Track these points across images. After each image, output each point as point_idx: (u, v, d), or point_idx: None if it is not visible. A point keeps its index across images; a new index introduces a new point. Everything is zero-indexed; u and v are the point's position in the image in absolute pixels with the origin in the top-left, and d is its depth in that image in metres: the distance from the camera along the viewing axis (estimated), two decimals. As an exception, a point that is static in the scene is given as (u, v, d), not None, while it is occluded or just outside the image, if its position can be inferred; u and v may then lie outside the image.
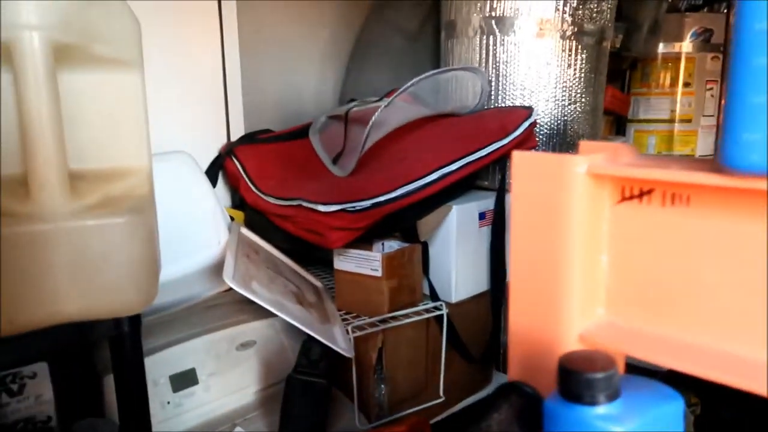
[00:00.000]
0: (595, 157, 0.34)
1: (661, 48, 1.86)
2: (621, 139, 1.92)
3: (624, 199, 0.34)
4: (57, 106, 0.50)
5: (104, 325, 0.60)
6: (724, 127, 0.28)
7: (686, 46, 1.83)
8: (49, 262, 0.50)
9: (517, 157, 0.36)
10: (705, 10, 1.92)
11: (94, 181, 0.54)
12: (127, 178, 0.56)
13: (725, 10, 1.90)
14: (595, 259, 0.35)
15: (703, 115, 1.86)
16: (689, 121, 1.86)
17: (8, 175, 0.52)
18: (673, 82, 1.85)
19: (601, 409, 0.30)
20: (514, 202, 0.36)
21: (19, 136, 0.50)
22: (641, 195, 0.33)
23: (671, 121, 1.87)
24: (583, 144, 0.37)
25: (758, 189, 0.28)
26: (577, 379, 0.30)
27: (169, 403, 0.89)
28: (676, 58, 1.84)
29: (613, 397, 0.30)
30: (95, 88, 0.54)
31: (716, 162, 0.29)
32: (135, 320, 0.62)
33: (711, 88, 1.85)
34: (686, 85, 1.84)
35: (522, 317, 0.37)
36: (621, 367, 0.39)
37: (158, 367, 0.89)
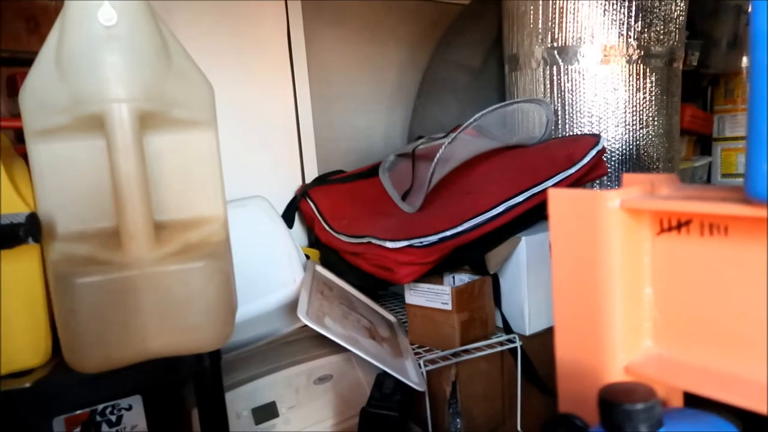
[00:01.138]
0: (630, 191, 0.34)
1: (746, 61, 1.77)
2: (706, 159, 1.83)
3: (663, 230, 0.34)
4: (143, 166, 0.56)
5: (188, 361, 0.65)
6: (748, 159, 0.28)
7: (773, 57, 1.73)
8: (138, 304, 0.56)
9: (552, 194, 0.37)
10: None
11: (174, 231, 0.60)
12: (205, 226, 0.62)
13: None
14: (638, 291, 0.35)
15: (798, 129, 1.74)
16: (782, 136, 1.75)
17: (102, 228, 0.58)
18: (761, 96, 1.75)
19: (643, 441, 0.30)
20: (553, 238, 0.37)
21: (111, 193, 0.57)
22: (680, 226, 0.33)
23: (761, 137, 1.76)
24: (626, 176, 0.38)
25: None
26: (617, 410, 0.30)
27: (251, 436, 0.93)
28: (762, 71, 1.75)
29: (654, 428, 0.30)
30: (175, 147, 0.60)
31: (744, 192, 0.29)
32: (215, 356, 0.66)
33: (804, 100, 1.73)
34: (775, 98, 1.74)
35: (568, 351, 0.37)
36: (678, 400, 0.38)
37: (241, 400, 0.94)
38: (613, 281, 0.34)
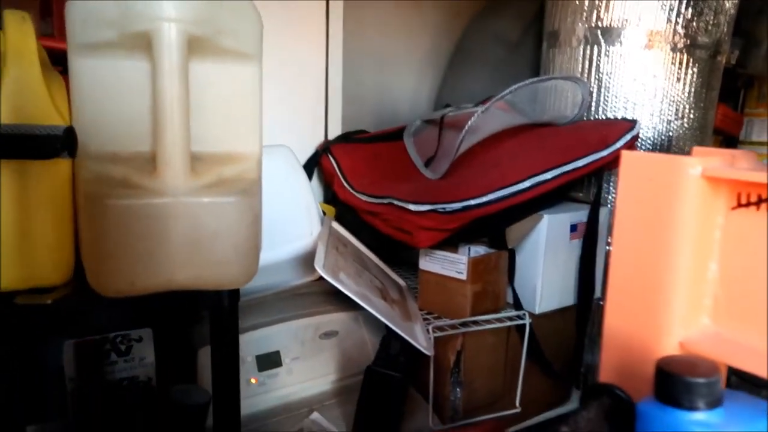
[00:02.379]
0: (712, 160, 0.33)
1: (783, 67, 1.73)
2: (729, 162, 1.81)
3: (740, 205, 0.33)
4: (186, 92, 0.54)
5: (207, 297, 0.65)
6: None
7: (811, 65, 1.70)
8: (168, 233, 0.55)
9: (627, 156, 0.36)
10: (836, 27, 1.77)
11: (210, 163, 0.59)
12: (240, 162, 0.61)
13: None
14: (703, 266, 0.34)
15: (826, 141, 1.72)
16: (809, 146, 1.72)
17: (137, 152, 0.57)
18: (794, 104, 1.72)
19: (701, 416, 0.29)
20: (619, 202, 0.36)
21: (150, 118, 0.56)
22: (759, 202, 0.32)
23: (788, 145, 1.73)
24: (697, 149, 0.36)
25: None
26: (678, 382, 0.29)
27: (253, 381, 0.94)
28: (799, 78, 1.71)
29: (713, 405, 0.29)
30: (219, 77, 0.58)
31: None
32: (234, 295, 0.66)
33: (838, 112, 1.70)
34: (808, 107, 1.71)
35: (619, 320, 0.36)
36: (724, 379, 0.37)
37: (246, 346, 0.94)
38: (681, 252, 0.33)
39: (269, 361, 0.97)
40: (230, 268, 0.58)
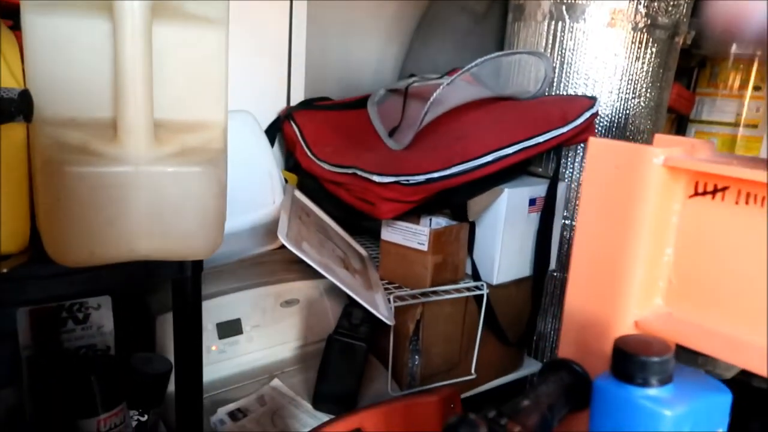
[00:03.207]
0: (673, 150, 0.34)
1: (734, 49, 1.79)
2: (680, 139, 1.87)
3: (697, 194, 0.34)
4: (150, 58, 0.53)
5: (170, 267, 0.64)
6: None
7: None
8: (130, 203, 0.54)
9: (593, 143, 0.37)
10: (786, 12, 1.83)
11: (174, 132, 0.57)
12: (205, 131, 0.59)
13: (808, 14, 1.81)
14: (659, 250, 0.36)
15: (771, 122, 1.79)
16: (755, 126, 1.80)
17: (98, 119, 0.55)
18: (743, 85, 1.78)
19: (653, 392, 0.31)
20: (585, 186, 0.37)
21: (111, 82, 0.54)
22: (715, 191, 0.34)
23: (736, 124, 1.80)
24: (658, 137, 0.38)
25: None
26: (633, 360, 0.31)
27: (214, 348, 0.94)
28: (749, 60, 1.77)
29: (665, 381, 0.31)
30: (183, 43, 0.57)
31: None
32: (198, 265, 0.65)
33: (782, 95, 1.77)
34: (756, 89, 1.77)
35: (579, 299, 0.38)
36: (670, 358, 0.39)
37: (207, 313, 0.93)
38: (640, 237, 0.35)
39: (230, 328, 0.97)
40: (194, 239, 0.58)
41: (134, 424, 0.73)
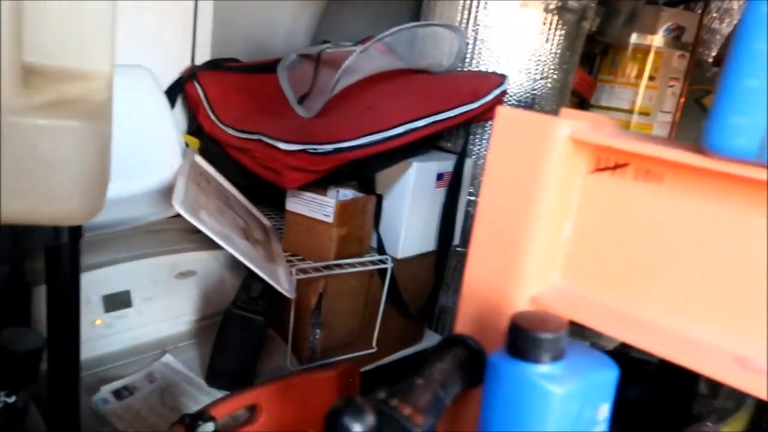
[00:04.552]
0: (579, 123, 0.34)
1: (634, 38, 1.88)
2: (581, 123, 1.96)
3: (598, 169, 0.34)
4: (15, -10, 0.46)
5: (43, 233, 0.57)
6: (713, 109, 0.29)
7: (657, 40, 1.86)
8: (-10, 158, 0.47)
9: (501, 112, 0.36)
10: (681, 7, 1.95)
11: (50, 79, 0.50)
12: (87, 81, 0.53)
13: (700, 11, 1.94)
14: (559, 225, 0.36)
15: (661, 111, 1.91)
16: (647, 114, 1.91)
17: (-49, 58, 0.47)
18: (639, 74, 1.89)
19: (544, 368, 0.31)
20: (490, 156, 0.36)
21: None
22: (616, 167, 0.34)
23: (631, 111, 1.91)
24: (565, 111, 0.37)
25: (736, 174, 0.29)
26: (526, 337, 0.31)
27: (99, 322, 0.87)
28: (646, 50, 1.87)
29: (557, 358, 0.31)
30: (59, -22, 0.50)
31: (700, 144, 0.30)
32: (76, 231, 0.59)
33: (673, 86, 1.90)
34: (651, 78, 1.88)
35: (478, 273, 0.37)
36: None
37: (92, 285, 0.87)
38: (541, 211, 0.34)
39: (118, 301, 0.90)
40: (70, 201, 0.51)
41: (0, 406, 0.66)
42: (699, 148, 0.30)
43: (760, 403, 0.82)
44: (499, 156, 0.35)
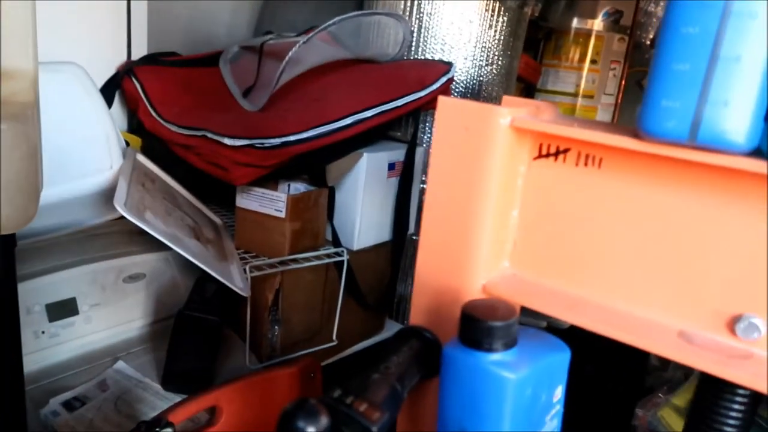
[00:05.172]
0: (519, 111, 0.34)
1: (575, 23, 1.92)
2: (528, 107, 1.99)
3: (540, 156, 0.35)
4: None
5: (-28, 244, 0.54)
6: (646, 94, 0.29)
7: (597, 24, 1.91)
8: None
9: (443, 102, 0.35)
10: (619, -9, 2.00)
11: (-34, 80, 0.47)
12: (8, 81, 0.50)
13: (636, -5, 2.00)
14: (506, 212, 0.36)
15: (604, 93, 1.96)
16: (591, 97, 1.96)
17: None
18: (582, 58, 1.93)
19: (497, 356, 0.31)
20: (434, 147, 0.36)
21: None
22: (557, 153, 0.34)
23: (575, 95, 1.95)
24: (506, 99, 0.37)
25: (670, 156, 0.29)
26: (478, 326, 0.31)
27: (43, 332, 0.84)
28: (587, 35, 1.92)
29: (509, 345, 0.32)
30: (-28, -29, 0.47)
31: (635, 128, 0.30)
32: (9, 240, 0.56)
33: (614, 68, 1.95)
34: (593, 62, 1.93)
35: (429, 265, 0.37)
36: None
37: (33, 294, 0.83)
38: (488, 200, 0.34)
39: (63, 309, 0.86)
40: (1, 210, 0.49)
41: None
42: (635, 132, 0.31)
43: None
44: (443, 146, 0.35)
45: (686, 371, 0.91)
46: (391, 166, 1.08)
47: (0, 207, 0.48)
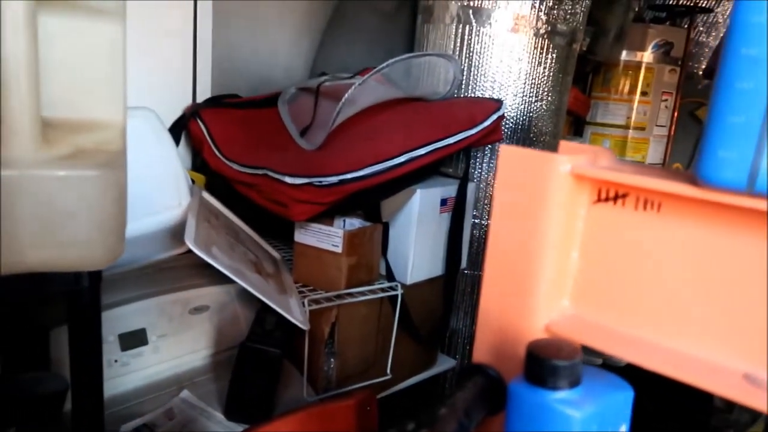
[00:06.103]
0: (578, 158, 0.36)
1: (624, 56, 1.92)
2: (578, 140, 1.99)
3: (600, 200, 0.36)
4: (34, 49, 0.48)
5: (63, 278, 0.59)
6: (703, 143, 0.31)
7: (647, 56, 1.90)
8: (15, 210, 0.49)
9: (504, 150, 0.38)
10: (668, 23, 1.99)
11: (66, 132, 0.53)
12: (101, 131, 0.55)
13: (686, 26, 1.98)
14: (566, 254, 0.37)
15: (656, 125, 1.94)
16: (643, 129, 1.94)
17: (-24, 117, 0.49)
18: (632, 90, 1.92)
19: (563, 394, 0.33)
20: (497, 193, 0.38)
21: (-9, 77, 0.49)
22: (616, 198, 0.35)
23: (626, 127, 1.94)
24: (564, 144, 0.39)
25: (727, 203, 0.30)
26: (544, 364, 0.32)
27: (116, 361, 0.88)
28: (637, 67, 1.91)
29: (574, 384, 0.33)
30: (74, 34, 0.52)
31: (693, 174, 0.32)
32: (96, 276, 0.61)
33: (666, 100, 1.93)
34: (643, 94, 1.92)
35: (492, 304, 0.39)
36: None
37: (108, 324, 0.88)
38: (549, 242, 0.36)
39: (134, 339, 0.91)
40: (91, 248, 0.53)
41: (25, 450, 0.67)
42: (693, 177, 0.32)
43: (772, 413, 0.82)
44: (505, 192, 0.37)
45: (753, 414, 0.88)
46: (444, 202, 1.10)
47: (94, 247, 0.52)
